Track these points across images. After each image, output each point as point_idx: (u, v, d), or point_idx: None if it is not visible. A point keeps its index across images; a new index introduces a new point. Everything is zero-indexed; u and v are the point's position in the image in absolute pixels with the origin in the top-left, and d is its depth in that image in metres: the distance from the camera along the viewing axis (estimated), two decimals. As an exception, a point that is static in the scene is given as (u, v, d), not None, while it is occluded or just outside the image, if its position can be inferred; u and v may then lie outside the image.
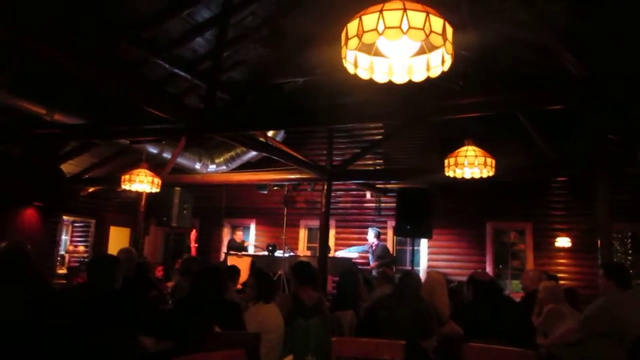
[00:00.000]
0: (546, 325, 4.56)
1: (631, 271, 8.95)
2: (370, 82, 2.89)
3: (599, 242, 7.28)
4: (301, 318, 4.25)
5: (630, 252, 9.62)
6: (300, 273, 4.67)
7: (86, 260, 9.89)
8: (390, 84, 2.90)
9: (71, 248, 11.51)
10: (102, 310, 3.21)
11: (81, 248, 11.50)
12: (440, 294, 4.95)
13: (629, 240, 9.66)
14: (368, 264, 10.19)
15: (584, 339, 3.87)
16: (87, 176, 10.37)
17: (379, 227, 10.81)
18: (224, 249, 11.21)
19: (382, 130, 10.80)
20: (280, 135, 10.41)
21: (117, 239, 11.35)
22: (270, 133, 9.65)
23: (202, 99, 5.71)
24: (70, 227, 11.83)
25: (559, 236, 9.98)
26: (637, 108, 4.10)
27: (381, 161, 11.00)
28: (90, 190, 10.88)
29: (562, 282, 8.05)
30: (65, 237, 11.60)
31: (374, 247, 9.88)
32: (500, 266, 10.67)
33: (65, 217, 10.91)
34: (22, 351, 2.09)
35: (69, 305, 3.14)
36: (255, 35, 7.59)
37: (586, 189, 8.60)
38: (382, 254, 9.72)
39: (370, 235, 9.96)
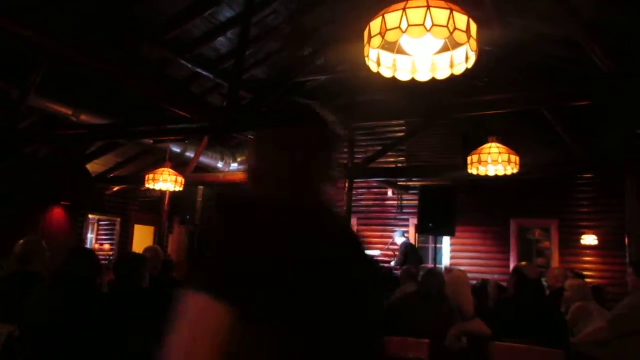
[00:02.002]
0: (573, 323, 4.50)
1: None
2: (393, 80, 2.87)
3: (627, 239, 7.16)
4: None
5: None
6: None
7: (112, 258, 10.05)
8: (413, 81, 2.88)
9: (97, 246, 11.71)
10: (133, 309, 3.25)
11: (107, 246, 11.69)
12: (465, 292, 4.91)
13: (659, 238, 9.44)
14: (390, 262, 10.16)
15: (613, 338, 3.80)
16: (112, 175, 10.53)
17: (401, 225, 10.78)
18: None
19: (404, 128, 10.74)
20: (302, 133, 10.41)
21: (142, 238, 11.52)
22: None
23: (225, 97, 5.74)
24: (96, 226, 12.04)
25: (585, 234, 9.80)
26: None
27: (403, 159, 10.94)
28: (116, 189, 11.05)
29: (588, 280, 7.91)
30: (91, 236, 11.81)
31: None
32: (535, 265, 10.52)
33: (91, 216, 11.10)
34: (57, 353, 2.12)
35: (100, 305, 3.19)
36: (278, 34, 7.61)
37: (613, 186, 8.45)
38: (405, 250, 9.68)
39: (398, 240, 9.97)
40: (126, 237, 11.49)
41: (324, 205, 1.34)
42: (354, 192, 9.44)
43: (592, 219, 9.86)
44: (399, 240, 9.95)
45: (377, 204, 11.67)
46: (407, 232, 10.85)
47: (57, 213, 8.97)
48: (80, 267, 2.94)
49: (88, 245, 11.34)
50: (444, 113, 5.83)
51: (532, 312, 3.96)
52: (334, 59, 8.03)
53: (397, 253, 10.28)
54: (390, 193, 11.44)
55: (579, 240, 9.84)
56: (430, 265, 9.79)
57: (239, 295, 1.05)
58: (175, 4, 6.47)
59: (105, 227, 12.02)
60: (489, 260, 10.39)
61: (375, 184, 11.23)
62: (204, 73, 7.85)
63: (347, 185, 8.67)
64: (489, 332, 3.96)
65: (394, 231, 10.71)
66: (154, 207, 10.88)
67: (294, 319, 1.07)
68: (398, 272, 8.68)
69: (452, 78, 2.81)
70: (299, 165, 1.30)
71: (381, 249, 10.75)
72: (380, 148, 9.46)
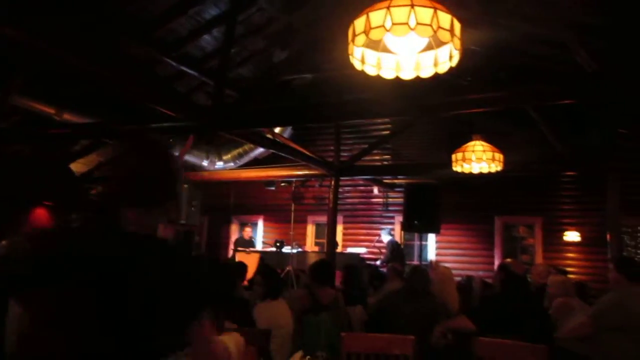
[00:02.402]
0: (555, 319, 4.56)
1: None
2: (379, 79, 2.89)
3: (608, 236, 7.28)
4: (312, 314, 4.27)
5: (641, 246, 9.56)
6: (318, 272, 4.63)
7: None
8: (399, 80, 2.89)
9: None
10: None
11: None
12: (450, 288, 4.98)
13: (640, 234, 9.60)
14: (376, 260, 10.22)
15: (594, 333, 3.86)
16: (96, 175, 10.44)
17: (387, 223, 10.84)
18: (232, 246, 11.26)
19: (390, 126, 10.79)
20: (288, 132, 10.43)
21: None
22: (277, 129, 9.67)
23: (211, 96, 5.72)
24: (80, 225, 11.92)
25: (568, 230, 9.94)
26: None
27: (389, 157, 11.00)
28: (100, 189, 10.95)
29: (571, 276, 8.01)
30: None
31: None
32: (519, 262, 10.62)
33: (74, 216, 10.98)
34: None
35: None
36: (263, 32, 7.60)
37: (596, 184, 8.56)
38: (392, 248, 9.76)
39: (384, 238, 10.05)
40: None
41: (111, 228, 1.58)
42: (340, 190, 9.47)
43: (575, 216, 10.00)
44: (385, 238, 10.03)
45: (362, 202, 11.71)
46: (393, 229, 10.92)
47: (40, 213, 8.87)
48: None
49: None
50: (429, 111, 5.86)
51: (518, 308, 4.02)
52: (320, 57, 8.03)
53: (383, 250, 10.35)
54: (375, 191, 11.49)
55: (562, 237, 9.97)
56: (416, 263, 9.87)
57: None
58: (160, 3, 6.43)
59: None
60: (473, 257, 10.49)
61: (361, 182, 11.28)
62: (190, 71, 7.81)
63: (332, 183, 8.70)
64: (474, 328, 4.00)
65: (380, 229, 10.78)
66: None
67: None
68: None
69: (437, 76, 2.83)
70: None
71: (367, 247, 10.80)
72: (366, 146, 9.50)
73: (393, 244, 9.88)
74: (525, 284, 4.34)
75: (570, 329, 4.08)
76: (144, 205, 1.62)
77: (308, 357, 3.10)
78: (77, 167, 9.95)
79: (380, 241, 10.64)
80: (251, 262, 8.33)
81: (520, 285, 4.23)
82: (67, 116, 7.00)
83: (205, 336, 1.61)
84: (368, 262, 9.88)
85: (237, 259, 9.16)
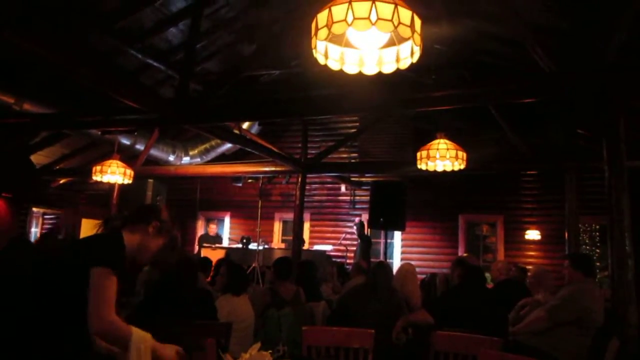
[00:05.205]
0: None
1: (598, 263, 9.18)
2: (346, 75, 2.90)
3: (566, 234, 7.48)
4: (274, 309, 4.27)
5: (598, 244, 9.85)
6: (279, 268, 4.69)
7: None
8: (365, 76, 2.92)
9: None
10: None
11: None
12: (412, 284, 5.05)
13: (597, 234, 9.89)
14: (344, 256, 10.29)
15: (549, 327, 3.96)
16: (58, 167, 10.21)
17: (354, 220, 10.90)
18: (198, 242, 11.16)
19: (357, 124, 10.86)
20: (255, 128, 10.39)
21: (89, 232, 11.16)
22: (245, 125, 9.62)
23: (176, 89, 5.66)
24: (40, 219, 11.64)
25: (529, 229, 10.18)
26: (602, 103, 4.19)
27: (356, 154, 11.06)
28: (62, 181, 10.71)
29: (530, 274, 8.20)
30: (35, 230, 11.41)
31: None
32: (474, 257, 10.82)
33: (35, 209, 10.72)
34: None
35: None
36: (230, 27, 7.55)
37: (556, 183, 8.79)
38: (358, 232, 9.86)
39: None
40: (73, 231, 11.16)
41: None
42: (308, 188, 9.48)
43: (535, 214, 10.25)
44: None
45: (330, 199, 11.75)
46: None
47: (-1, 205, 8.64)
48: (17, 255, 2.87)
49: (32, 240, 10.95)
50: (394, 108, 5.92)
51: (477, 299, 4.10)
52: (288, 52, 8.03)
53: (349, 247, 10.42)
54: (343, 188, 11.55)
55: (523, 235, 10.21)
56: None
57: None
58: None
59: (51, 221, 11.64)
60: (438, 255, 10.65)
61: (328, 180, 11.32)
62: (155, 64, 7.71)
63: (299, 180, 8.70)
64: (432, 320, 4.07)
65: (347, 227, 10.86)
66: (102, 201, 10.61)
67: None
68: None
69: (403, 74, 2.86)
70: None
71: (334, 244, 10.84)
72: (333, 143, 9.53)
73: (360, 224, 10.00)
74: (482, 276, 4.43)
75: (527, 323, 4.18)
76: None
77: (270, 351, 3.09)
78: (39, 158, 9.71)
79: (346, 238, 10.72)
80: (216, 259, 8.27)
81: (479, 277, 4.32)
82: (27, 106, 6.81)
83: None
84: (334, 259, 9.94)
85: (202, 255, 9.08)
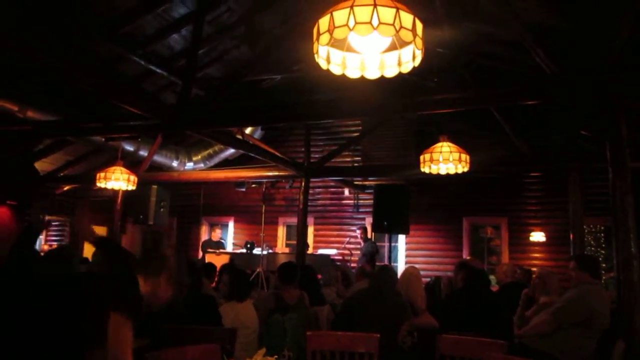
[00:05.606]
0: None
1: (604, 264, 9.15)
2: (347, 79, 2.91)
3: (571, 236, 7.45)
4: (278, 314, 4.27)
5: (603, 245, 9.80)
6: (283, 273, 4.68)
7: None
8: (367, 80, 2.92)
9: (46, 247, 11.35)
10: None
11: (54, 247, 11.34)
12: (416, 287, 5.02)
13: (602, 235, 9.85)
14: (347, 260, 10.27)
15: (555, 330, 3.94)
16: (62, 174, 10.23)
17: (358, 224, 10.89)
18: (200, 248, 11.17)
19: (360, 128, 10.86)
20: (258, 133, 10.41)
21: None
22: (248, 130, 9.63)
23: (178, 95, 5.68)
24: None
25: (533, 231, 10.14)
26: (604, 104, 4.18)
27: (359, 158, 11.06)
28: (66, 188, 10.73)
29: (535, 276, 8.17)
30: (40, 237, 11.43)
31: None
32: (478, 260, 10.77)
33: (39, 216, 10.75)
34: None
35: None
36: (232, 32, 7.57)
37: (560, 185, 8.76)
38: (365, 250, 9.84)
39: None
40: (77, 238, 11.19)
41: None
42: (311, 192, 9.49)
43: (539, 216, 10.22)
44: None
45: (333, 203, 11.75)
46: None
47: (2, 212, 8.65)
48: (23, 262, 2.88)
49: (37, 247, 10.98)
50: (397, 112, 5.92)
51: (481, 302, 4.08)
52: (290, 57, 8.04)
53: (353, 251, 10.41)
54: (346, 192, 11.54)
55: (527, 237, 10.17)
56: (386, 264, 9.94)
57: None
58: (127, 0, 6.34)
59: (55, 228, 11.66)
60: (442, 258, 10.62)
61: (332, 184, 11.32)
62: (158, 70, 7.73)
63: (302, 184, 8.70)
64: (437, 324, 4.06)
65: (351, 230, 10.86)
66: (106, 207, 10.63)
67: None
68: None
69: (405, 78, 2.86)
70: None
71: (338, 248, 10.83)
72: (336, 147, 9.53)
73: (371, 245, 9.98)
74: (486, 279, 4.42)
75: (533, 326, 4.16)
76: None
77: (275, 356, 3.09)
78: (43, 165, 9.74)
79: (350, 242, 10.71)
80: (221, 264, 8.27)
81: (482, 280, 4.31)
82: (30, 113, 6.83)
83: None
84: (338, 262, 9.92)
85: (206, 261, 9.09)
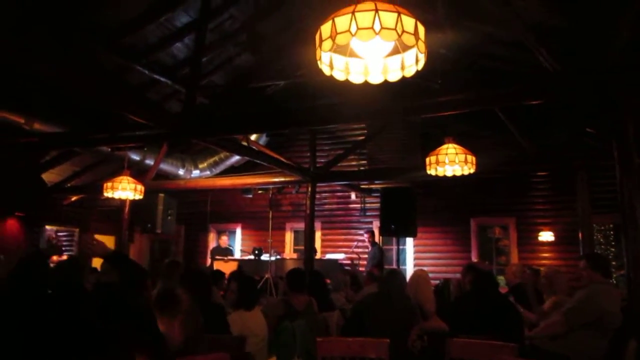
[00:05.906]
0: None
1: (614, 262, 9.08)
2: (350, 84, 2.91)
3: (580, 235, 7.40)
4: (287, 320, 4.25)
5: (612, 243, 9.73)
6: (292, 279, 4.67)
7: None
8: (369, 84, 2.92)
9: (55, 258, 11.38)
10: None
11: (65, 258, 11.37)
12: (425, 290, 5.00)
13: (612, 232, 9.78)
14: (356, 265, 10.24)
15: (567, 331, 3.91)
16: (69, 185, 10.28)
17: (365, 228, 10.86)
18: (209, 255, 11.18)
19: (365, 131, 10.85)
20: (263, 139, 10.42)
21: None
22: (253, 137, 9.65)
23: (183, 104, 5.70)
24: (54, 237, 11.71)
25: (542, 230, 10.08)
26: (608, 101, 4.16)
27: (365, 162, 11.05)
28: (73, 199, 10.78)
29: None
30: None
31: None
32: (486, 262, 10.72)
33: (48, 227, 10.79)
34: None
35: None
36: (235, 39, 7.59)
37: (567, 183, 8.72)
38: (373, 255, 9.81)
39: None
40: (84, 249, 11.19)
41: None
42: (318, 196, 9.48)
43: (547, 215, 10.16)
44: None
45: (340, 208, 11.73)
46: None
47: (11, 224, 8.70)
48: (32, 274, 2.88)
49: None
50: (401, 115, 5.91)
51: (490, 304, 4.06)
52: (292, 63, 8.06)
53: (361, 255, 10.39)
54: (353, 196, 11.53)
55: (536, 237, 10.11)
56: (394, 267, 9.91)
57: None
58: (129, 10, 6.38)
59: (64, 238, 11.71)
60: (451, 260, 10.56)
61: (338, 188, 11.31)
62: (162, 79, 7.76)
63: (309, 189, 8.70)
64: (447, 328, 4.03)
65: (358, 234, 10.84)
66: (114, 217, 10.67)
67: None
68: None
69: (409, 80, 2.86)
70: None
71: (346, 252, 10.81)
72: (341, 152, 9.53)
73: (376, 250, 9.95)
74: (494, 281, 4.39)
75: (544, 327, 4.14)
76: None
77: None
78: (50, 177, 9.79)
79: (358, 246, 10.68)
80: (229, 271, 8.28)
81: (490, 282, 4.28)
82: (37, 125, 6.88)
83: None
84: (347, 267, 9.90)
85: (214, 268, 9.10)
